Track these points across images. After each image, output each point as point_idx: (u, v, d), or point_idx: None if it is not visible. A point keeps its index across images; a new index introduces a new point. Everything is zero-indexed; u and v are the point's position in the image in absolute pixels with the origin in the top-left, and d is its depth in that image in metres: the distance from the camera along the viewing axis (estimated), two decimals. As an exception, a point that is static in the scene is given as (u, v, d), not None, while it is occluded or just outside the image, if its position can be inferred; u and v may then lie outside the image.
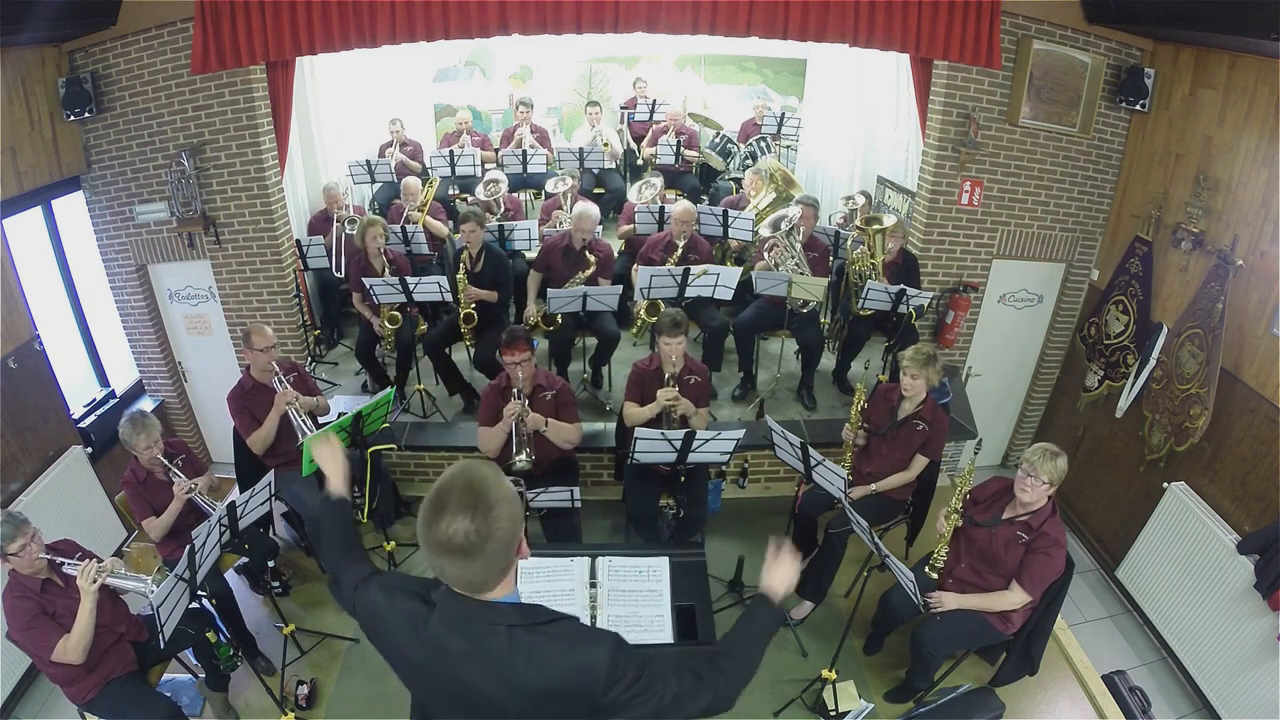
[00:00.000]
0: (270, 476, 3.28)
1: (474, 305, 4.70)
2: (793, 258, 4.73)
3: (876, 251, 4.75)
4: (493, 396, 3.77)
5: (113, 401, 5.22)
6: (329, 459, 2.07)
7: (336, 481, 2.03)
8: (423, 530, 1.36)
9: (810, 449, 3.38)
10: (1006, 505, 3.11)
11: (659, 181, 5.97)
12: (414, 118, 7.29)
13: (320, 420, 4.02)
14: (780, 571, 1.84)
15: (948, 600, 3.12)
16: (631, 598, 2.82)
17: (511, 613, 1.44)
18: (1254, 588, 3.59)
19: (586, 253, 4.81)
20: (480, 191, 5.78)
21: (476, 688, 1.44)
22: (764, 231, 4.93)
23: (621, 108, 7.75)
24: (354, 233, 5.03)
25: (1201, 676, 3.91)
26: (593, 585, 2.86)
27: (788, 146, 7.52)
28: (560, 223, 5.54)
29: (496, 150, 6.93)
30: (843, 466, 3.50)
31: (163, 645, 2.85)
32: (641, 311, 4.88)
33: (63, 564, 2.82)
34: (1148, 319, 4.62)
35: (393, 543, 4.05)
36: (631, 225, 5.67)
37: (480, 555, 1.35)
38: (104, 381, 5.31)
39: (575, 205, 5.33)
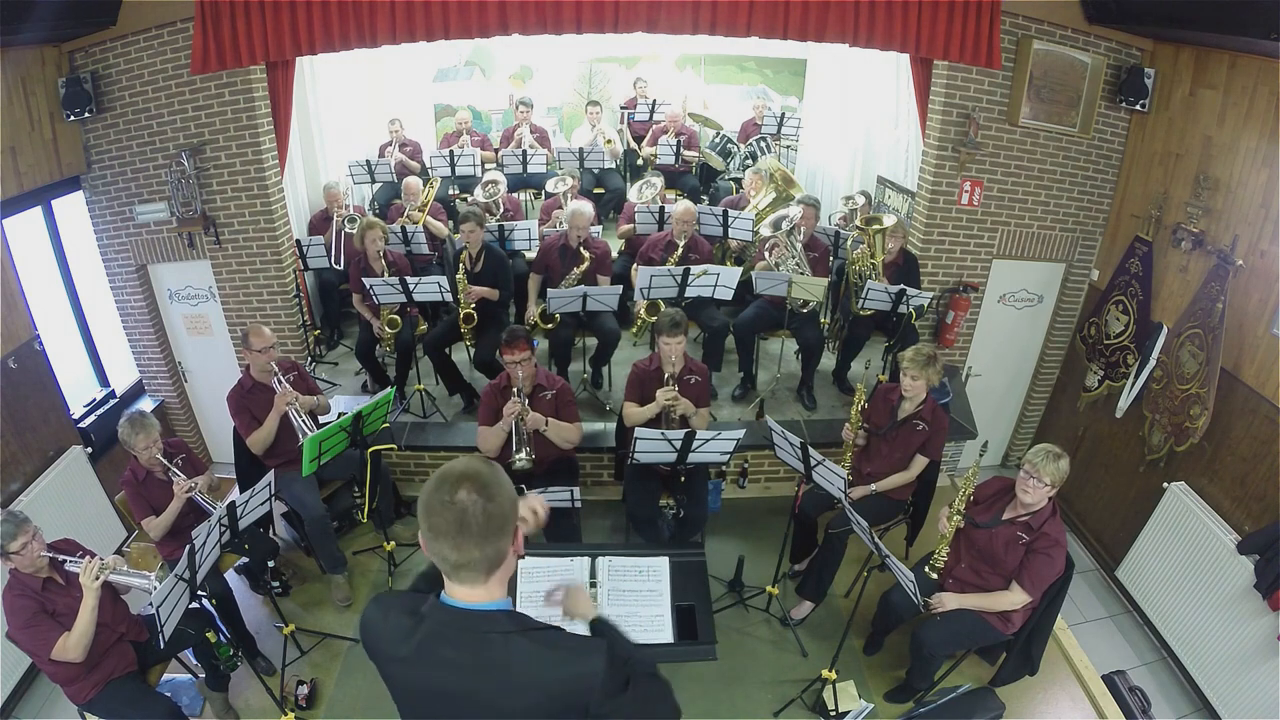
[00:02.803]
0: (270, 476, 3.28)
1: (474, 305, 4.70)
2: (793, 258, 4.73)
3: (876, 251, 4.75)
4: (493, 396, 3.77)
5: (113, 401, 5.22)
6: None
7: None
8: (425, 504, 1.38)
9: (810, 449, 3.37)
10: (1007, 505, 3.11)
11: (659, 181, 5.97)
12: (414, 118, 7.30)
13: (321, 420, 4.02)
14: (577, 602, 1.84)
15: (948, 600, 3.12)
16: (631, 597, 2.82)
17: (503, 618, 1.44)
18: (1254, 588, 3.60)
19: (581, 250, 4.82)
20: (479, 193, 5.79)
21: (469, 697, 1.42)
22: (764, 231, 4.93)
23: (621, 108, 7.75)
24: (353, 231, 5.03)
25: (1201, 676, 3.91)
26: (593, 585, 2.85)
27: (788, 146, 7.52)
28: (560, 222, 5.55)
29: (496, 150, 6.93)
30: (843, 466, 3.50)
31: (163, 645, 2.85)
32: (641, 311, 4.88)
33: (64, 562, 2.82)
34: (1148, 319, 4.62)
35: (393, 543, 4.04)
36: (631, 225, 5.67)
37: (481, 531, 1.36)
38: (104, 381, 5.32)
39: (569, 204, 5.33)
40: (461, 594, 1.45)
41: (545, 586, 2.84)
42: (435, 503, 1.37)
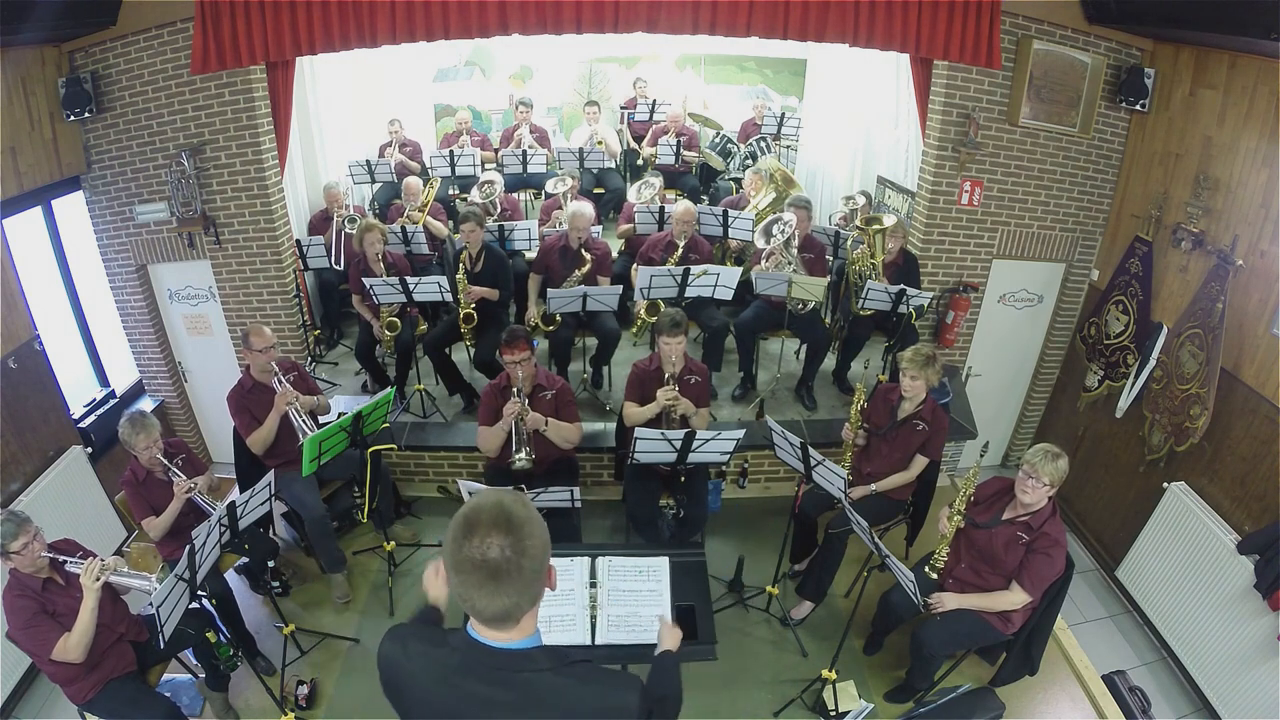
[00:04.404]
0: (270, 476, 3.28)
1: (474, 305, 4.70)
2: (790, 263, 4.72)
3: (876, 251, 4.75)
4: (492, 396, 3.77)
5: (113, 401, 5.22)
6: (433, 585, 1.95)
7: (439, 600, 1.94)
8: (453, 550, 1.32)
9: (810, 449, 3.37)
10: (1006, 505, 3.11)
11: (659, 181, 5.96)
12: (414, 118, 7.30)
13: (321, 420, 4.02)
14: (672, 637, 2.17)
15: (948, 600, 3.12)
16: (631, 598, 2.81)
17: (538, 656, 1.42)
18: (1254, 588, 3.60)
19: (583, 251, 4.82)
20: (475, 194, 5.78)
21: None
22: (759, 242, 4.91)
23: (621, 108, 7.75)
24: (353, 232, 5.03)
25: (1201, 676, 3.91)
26: (593, 585, 2.85)
27: (788, 146, 7.52)
28: (559, 223, 5.55)
29: (496, 150, 6.93)
30: (843, 466, 3.50)
31: (163, 645, 2.84)
32: (641, 311, 4.88)
33: (65, 562, 2.82)
34: (1148, 319, 4.62)
35: (393, 543, 4.04)
36: (631, 225, 5.67)
37: (513, 578, 1.32)
38: (104, 381, 5.31)
39: (569, 205, 5.33)
40: (492, 635, 1.42)
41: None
42: (465, 560, 1.31)
